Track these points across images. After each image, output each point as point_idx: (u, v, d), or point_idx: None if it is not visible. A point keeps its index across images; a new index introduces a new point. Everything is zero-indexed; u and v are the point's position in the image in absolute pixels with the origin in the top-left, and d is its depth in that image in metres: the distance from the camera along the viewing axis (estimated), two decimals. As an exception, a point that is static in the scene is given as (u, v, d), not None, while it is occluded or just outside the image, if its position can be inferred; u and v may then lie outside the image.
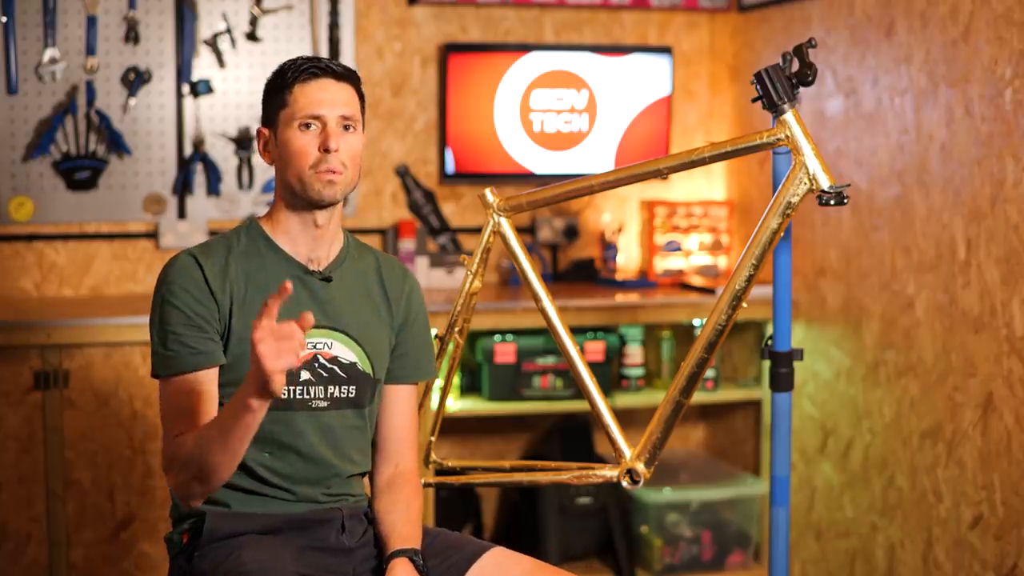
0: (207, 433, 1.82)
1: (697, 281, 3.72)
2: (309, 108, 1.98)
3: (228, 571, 1.85)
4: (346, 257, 2.10)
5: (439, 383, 2.73)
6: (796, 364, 2.36)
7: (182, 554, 1.99)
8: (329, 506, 2.04)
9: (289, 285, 1.69)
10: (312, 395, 2.02)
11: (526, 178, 3.75)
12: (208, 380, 1.95)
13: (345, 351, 2.05)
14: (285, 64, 2.03)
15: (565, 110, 3.80)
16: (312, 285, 2.04)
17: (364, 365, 2.07)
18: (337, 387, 2.04)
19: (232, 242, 2.04)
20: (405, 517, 2.07)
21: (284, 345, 1.67)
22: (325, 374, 2.03)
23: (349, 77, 2.03)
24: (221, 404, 1.95)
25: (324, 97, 1.99)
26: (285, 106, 1.99)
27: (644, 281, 3.78)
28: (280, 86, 2.01)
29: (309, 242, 2.05)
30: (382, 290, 2.13)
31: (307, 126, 1.98)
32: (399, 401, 2.15)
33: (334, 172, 1.97)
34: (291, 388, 1.99)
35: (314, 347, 2.02)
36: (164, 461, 1.93)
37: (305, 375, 2.01)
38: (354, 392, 2.06)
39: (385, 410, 2.14)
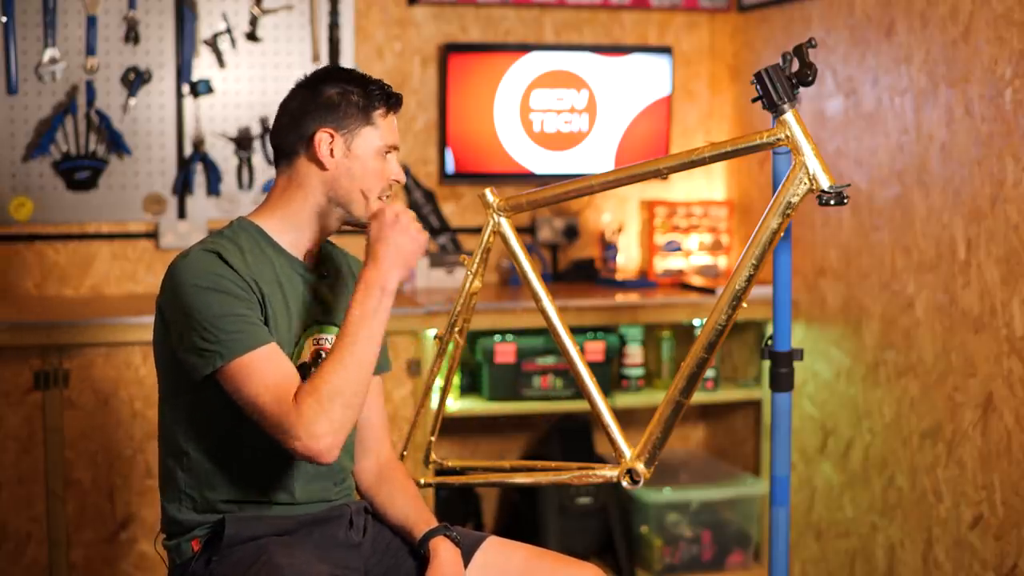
0: (349, 345, 1.86)
1: (697, 281, 3.72)
2: (393, 138, 2.05)
3: (257, 573, 1.86)
4: (326, 256, 2.13)
5: (439, 383, 2.72)
6: (796, 364, 2.36)
7: (196, 560, 1.97)
8: (338, 502, 2.06)
9: None
10: None
11: (526, 178, 3.75)
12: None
13: None
14: (365, 81, 2.03)
15: (565, 110, 3.80)
16: (311, 282, 2.05)
17: None
18: None
19: (236, 239, 2.00)
20: (412, 502, 2.12)
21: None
22: None
23: None
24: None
25: (396, 129, 2.08)
26: (372, 125, 2.02)
27: (644, 281, 3.78)
28: (367, 105, 2.01)
29: (307, 244, 2.06)
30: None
31: (387, 154, 2.05)
32: (370, 394, 2.15)
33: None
34: None
35: (316, 342, 2.03)
36: (299, 420, 1.81)
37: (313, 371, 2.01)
38: None
39: None
